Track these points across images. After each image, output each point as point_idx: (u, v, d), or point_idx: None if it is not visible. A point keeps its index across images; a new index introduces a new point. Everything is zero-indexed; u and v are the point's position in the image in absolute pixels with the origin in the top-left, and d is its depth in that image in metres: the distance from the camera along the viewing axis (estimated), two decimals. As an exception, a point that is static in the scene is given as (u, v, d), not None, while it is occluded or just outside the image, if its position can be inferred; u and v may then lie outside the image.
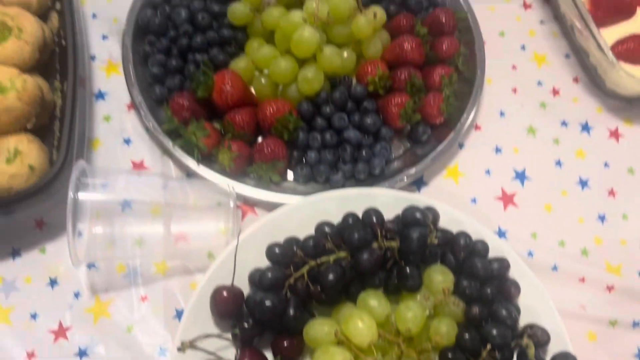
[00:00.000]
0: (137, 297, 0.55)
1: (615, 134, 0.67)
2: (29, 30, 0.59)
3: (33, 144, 0.56)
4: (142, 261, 0.57)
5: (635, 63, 0.65)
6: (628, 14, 0.67)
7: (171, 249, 0.56)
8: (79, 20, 0.65)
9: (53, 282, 0.55)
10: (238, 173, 0.60)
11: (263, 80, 0.64)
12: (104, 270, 0.56)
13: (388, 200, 0.57)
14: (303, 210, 0.56)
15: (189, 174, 0.61)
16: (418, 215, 0.52)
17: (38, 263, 0.56)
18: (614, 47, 0.65)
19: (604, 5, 0.66)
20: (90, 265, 0.56)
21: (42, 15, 0.64)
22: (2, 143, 0.55)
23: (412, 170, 0.61)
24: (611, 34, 0.66)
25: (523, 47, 0.71)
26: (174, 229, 0.57)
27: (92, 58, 0.66)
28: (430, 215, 0.53)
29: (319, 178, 0.61)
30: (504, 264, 0.54)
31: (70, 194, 0.49)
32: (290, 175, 0.62)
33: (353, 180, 0.62)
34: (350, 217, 0.54)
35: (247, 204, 0.60)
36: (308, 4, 0.61)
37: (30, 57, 0.58)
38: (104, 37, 0.67)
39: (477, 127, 0.66)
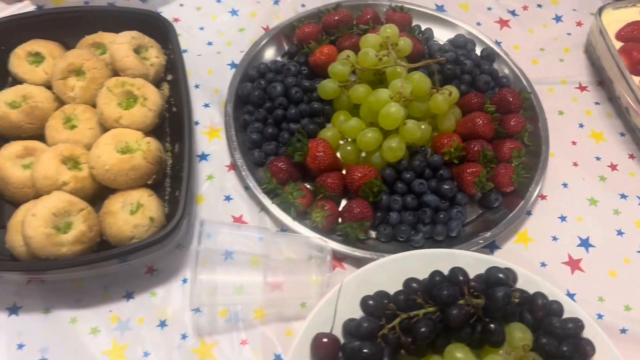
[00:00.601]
0: (238, 341, 0.60)
1: (672, 208, 0.72)
2: (152, 99, 0.67)
3: (152, 198, 0.63)
4: (242, 307, 0.62)
5: (689, 143, 0.71)
6: (681, 98, 0.74)
7: (268, 297, 0.62)
8: (186, 88, 0.74)
9: (162, 324, 0.60)
10: (326, 230, 0.67)
11: (349, 148, 0.71)
12: (208, 314, 0.61)
13: (468, 261, 0.61)
14: (390, 266, 0.62)
15: (283, 229, 0.67)
16: (501, 275, 0.57)
17: (149, 306, 0.61)
18: (668, 128, 0.71)
19: (658, 90, 0.73)
20: (196, 310, 0.61)
21: (156, 85, 0.73)
22: (127, 196, 0.62)
23: (488, 234, 0.66)
24: (666, 116, 0.73)
25: (581, 125, 0.78)
26: (270, 278, 0.63)
27: (196, 123, 0.74)
28: (511, 276, 0.58)
29: (400, 237, 0.67)
30: (578, 323, 0.58)
31: (196, 245, 0.56)
32: (372, 234, 0.68)
33: (431, 240, 0.67)
34: (437, 274, 0.59)
35: (334, 259, 0.66)
36: (394, 84, 0.69)
37: (152, 122, 0.67)
38: (206, 105, 0.76)
39: (542, 197, 0.72)
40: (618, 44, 0.79)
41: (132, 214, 0.61)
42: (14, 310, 0.60)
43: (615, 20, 0.81)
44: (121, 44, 0.70)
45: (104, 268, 0.61)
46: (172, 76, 0.73)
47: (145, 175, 0.63)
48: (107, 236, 0.61)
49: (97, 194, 0.64)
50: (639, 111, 0.73)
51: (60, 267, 0.57)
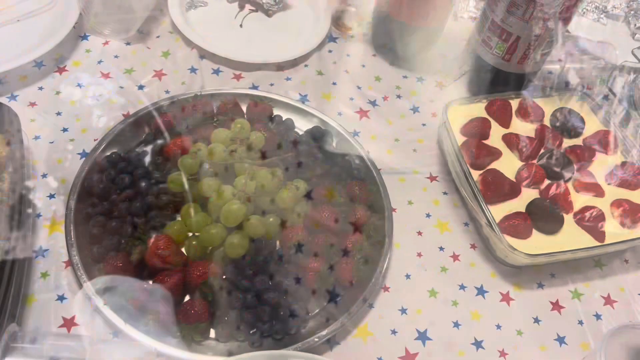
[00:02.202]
0: None
1: (506, 298, 0.76)
2: (-19, 195, 0.65)
3: (-31, 304, 0.60)
4: (63, 423, 0.59)
5: (519, 237, 0.75)
6: (514, 194, 0.79)
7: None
8: (29, 179, 0.72)
9: None
10: (163, 332, 0.65)
11: (194, 242, 0.71)
12: None
13: (299, 363, 0.62)
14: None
15: (115, 332, 0.65)
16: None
17: None
18: (501, 222, 0.76)
19: (492, 187, 0.78)
20: None
21: (-4, 176, 0.70)
22: (-62, 304, 0.58)
23: (324, 332, 0.67)
24: (500, 210, 0.77)
25: (428, 215, 0.82)
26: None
27: (38, 216, 0.72)
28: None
29: (238, 337, 0.66)
30: None
31: (-2, 361, 0.53)
32: (212, 333, 0.67)
33: (270, 339, 0.67)
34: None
35: (169, 362, 0.64)
36: (238, 180, 0.70)
37: (-20, 219, 0.64)
38: (51, 196, 0.74)
39: (386, 289, 0.74)
40: (462, 139, 0.84)
41: (-59, 323, 0.57)
42: None
43: (462, 115, 0.86)
44: (-45, 136, 0.67)
45: None
46: (13, 167, 0.71)
47: (-36, 280, 0.60)
48: None
49: None
50: (475, 206, 0.77)
51: None
